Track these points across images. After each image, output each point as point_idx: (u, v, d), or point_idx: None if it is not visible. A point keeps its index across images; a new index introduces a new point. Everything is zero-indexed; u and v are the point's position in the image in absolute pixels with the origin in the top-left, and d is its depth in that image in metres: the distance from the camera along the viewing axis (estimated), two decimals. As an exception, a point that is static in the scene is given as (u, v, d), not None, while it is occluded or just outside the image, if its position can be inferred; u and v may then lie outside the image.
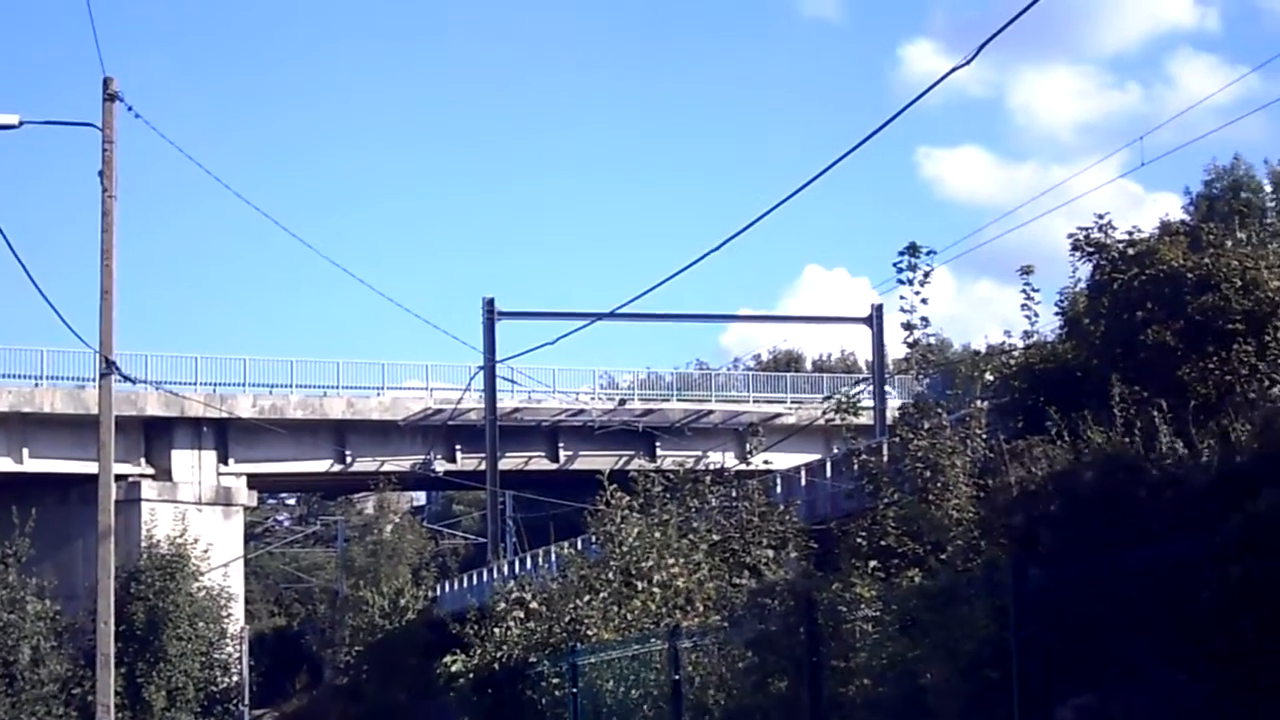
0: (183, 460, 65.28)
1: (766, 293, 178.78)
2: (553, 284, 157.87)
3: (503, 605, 31.80)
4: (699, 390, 78.91)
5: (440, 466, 69.10)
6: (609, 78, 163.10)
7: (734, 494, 33.84)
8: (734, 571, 29.77)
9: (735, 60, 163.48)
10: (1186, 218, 43.79)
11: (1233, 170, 70.84)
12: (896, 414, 30.69)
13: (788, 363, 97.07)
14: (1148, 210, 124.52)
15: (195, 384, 64.87)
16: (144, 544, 57.31)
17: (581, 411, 71.94)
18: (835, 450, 47.96)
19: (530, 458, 71.86)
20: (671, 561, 29.62)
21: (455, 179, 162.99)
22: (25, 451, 61.75)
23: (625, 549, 30.64)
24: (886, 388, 64.29)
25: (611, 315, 48.81)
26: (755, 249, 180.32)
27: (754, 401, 75.71)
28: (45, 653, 50.51)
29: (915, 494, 23.16)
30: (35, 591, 50.87)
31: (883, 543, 22.24)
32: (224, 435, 66.41)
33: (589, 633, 28.43)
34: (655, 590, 29.03)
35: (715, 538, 31.59)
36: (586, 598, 29.47)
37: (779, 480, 45.89)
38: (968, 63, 17.96)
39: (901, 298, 24.69)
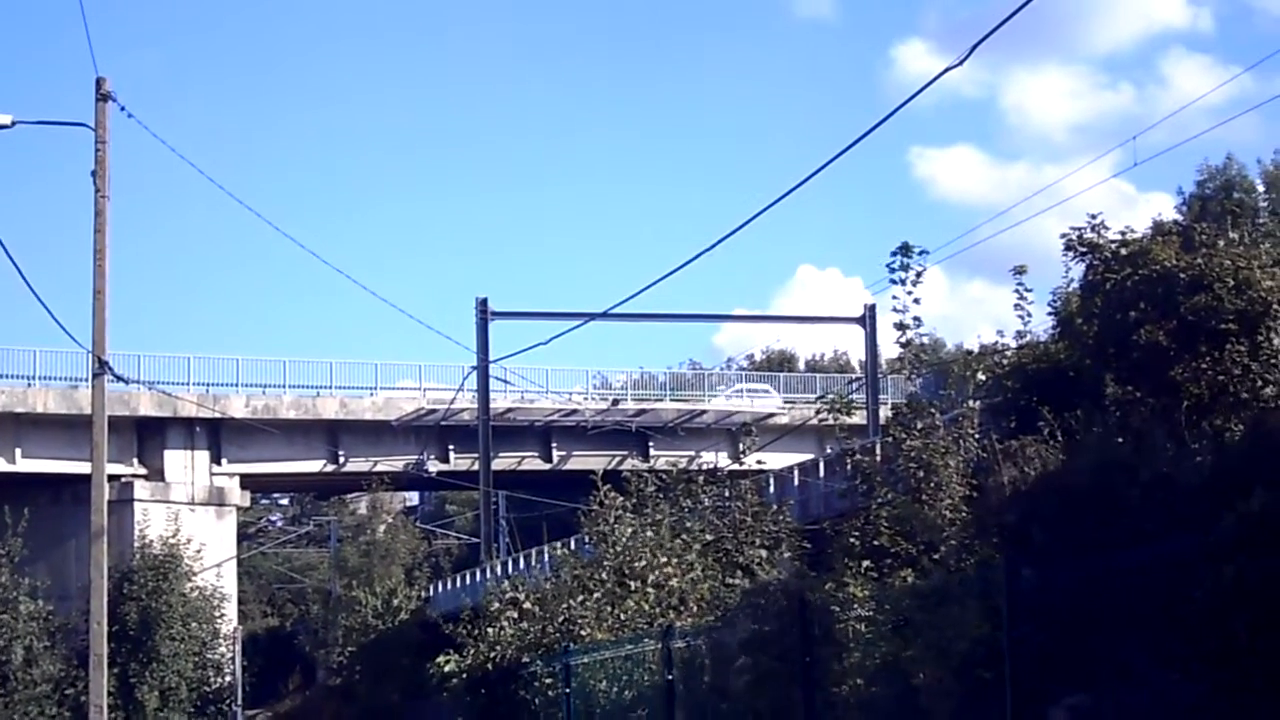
0: (175, 460, 65.22)
1: (760, 293, 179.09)
2: (546, 284, 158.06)
3: (496, 605, 31.81)
4: (692, 390, 78.96)
5: (433, 466, 69.08)
6: (603, 80, 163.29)
7: (727, 494, 33.84)
8: (727, 571, 29.79)
9: (729, 61, 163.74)
10: (1179, 218, 43.80)
11: (1225, 170, 70.89)
12: (889, 414, 30.73)
13: (781, 362, 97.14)
14: (1141, 210, 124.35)
15: (188, 384, 64.88)
16: (137, 544, 57.28)
17: (575, 411, 71.95)
18: (828, 450, 47.97)
19: (523, 458, 71.87)
20: (665, 561, 29.63)
21: (448, 180, 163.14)
22: (18, 451, 61.71)
23: (618, 549, 30.65)
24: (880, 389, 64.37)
25: (604, 315, 48.78)
26: (749, 249, 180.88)
27: (748, 395, 75.75)
28: (38, 653, 50.46)
29: (908, 494, 23.16)
30: (28, 592, 50.79)
31: (876, 543, 22.24)
32: (217, 435, 66.38)
33: (582, 633, 28.44)
34: (649, 590, 29.04)
35: (708, 538, 31.60)
36: (580, 598, 29.48)
37: (772, 480, 45.89)
38: (961, 63, 17.96)
39: (894, 298, 24.70)
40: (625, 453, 70.53)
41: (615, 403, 73.22)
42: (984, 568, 17.04)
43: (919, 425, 23.93)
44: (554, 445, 72.67)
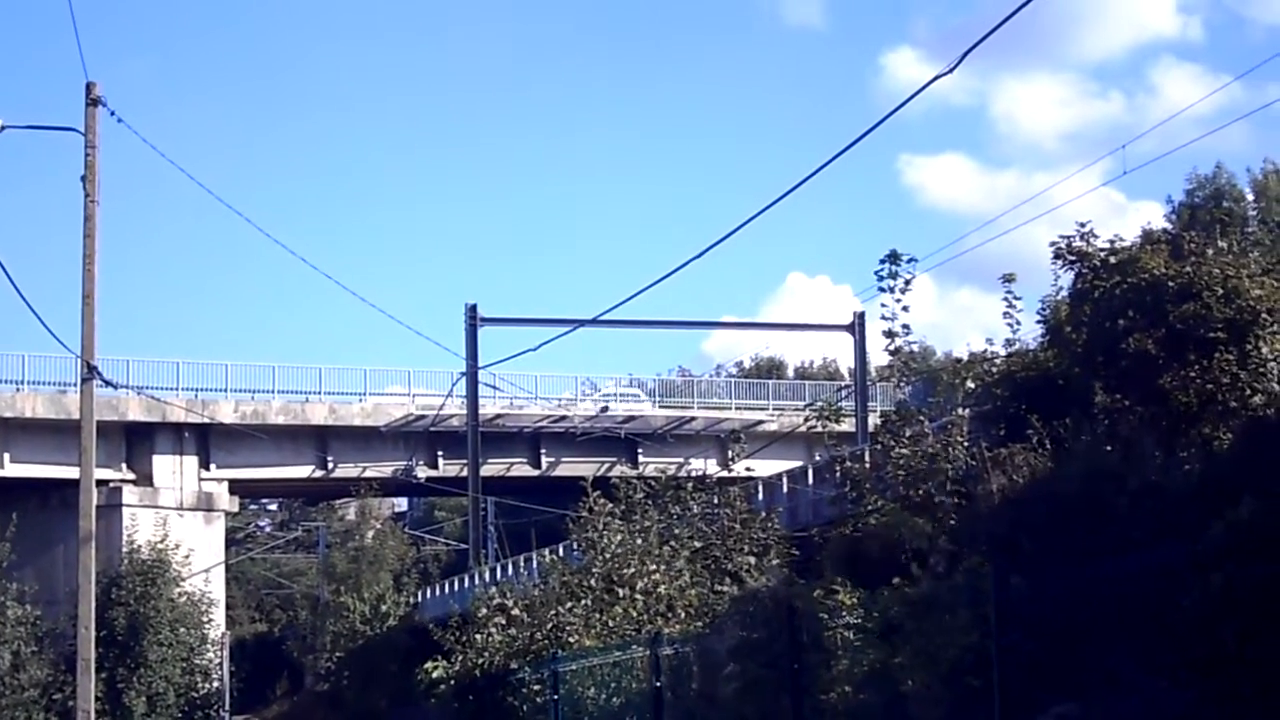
0: (164, 465, 65.13)
1: (749, 300, 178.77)
2: (536, 291, 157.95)
3: (484, 611, 31.81)
4: (681, 397, 78.92)
5: (422, 472, 68.96)
6: (594, 85, 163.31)
7: (716, 501, 33.86)
8: (716, 578, 29.82)
9: (719, 68, 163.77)
10: (1168, 226, 43.83)
11: (1215, 179, 70.97)
12: (878, 421, 30.72)
13: (770, 370, 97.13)
14: (1130, 219, 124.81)
15: (177, 389, 64.75)
16: (125, 549, 57.18)
17: (564, 418, 71.89)
18: (817, 457, 47.96)
19: (512, 464, 71.80)
20: (653, 568, 29.65)
21: (438, 186, 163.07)
22: (6, 456, 61.58)
23: (607, 556, 30.66)
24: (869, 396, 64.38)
25: (594, 322, 48.80)
26: (738, 256, 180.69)
27: (736, 409, 75.73)
28: (26, 658, 50.42)
29: (897, 501, 23.17)
30: (16, 597, 50.78)
31: (864, 550, 22.25)
32: (206, 440, 66.29)
33: (570, 639, 28.43)
34: (637, 597, 29.05)
35: (697, 544, 31.63)
36: (568, 604, 29.47)
37: (761, 487, 45.87)
38: (950, 71, 17.97)
39: (883, 305, 24.75)
40: (614, 459, 70.50)
41: (604, 409, 73.16)
42: (972, 575, 17.05)
43: (908, 433, 23.96)
44: (543, 451, 72.62)
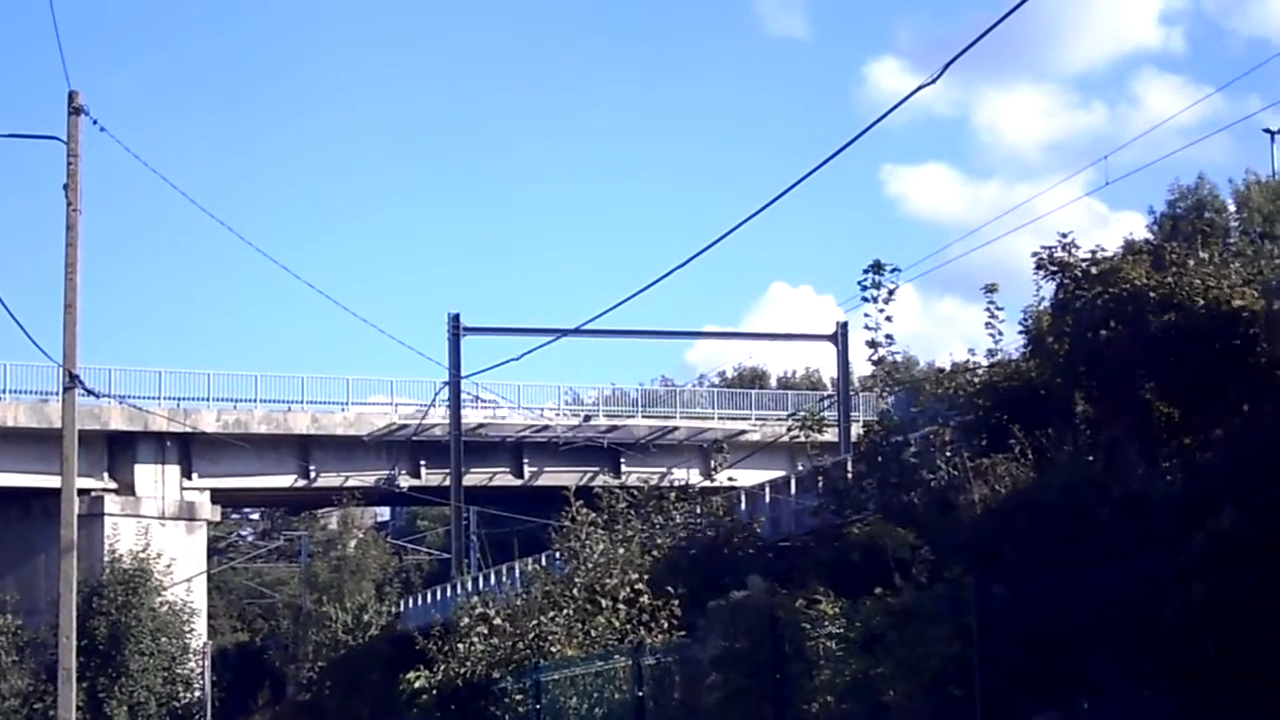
0: (146, 475, 64.96)
1: (732, 309, 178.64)
2: (518, 300, 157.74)
3: (466, 621, 31.76)
4: (664, 407, 78.92)
5: (404, 482, 68.91)
6: (577, 95, 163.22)
7: (699, 511, 33.84)
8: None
9: (702, 78, 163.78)
10: (1150, 237, 43.99)
11: (1196, 190, 71.02)
12: (861, 431, 30.76)
13: (753, 379, 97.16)
14: (1112, 229, 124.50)
15: (159, 398, 64.60)
16: (107, 559, 57.10)
17: (546, 427, 71.86)
18: (800, 467, 47.98)
19: (495, 473, 71.74)
20: (636, 578, 29.63)
21: (421, 195, 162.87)
22: (-13, 465, 61.48)
23: (590, 565, 30.65)
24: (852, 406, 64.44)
25: (576, 331, 48.81)
26: (721, 266, 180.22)
27: (719, 419, 75.76)
28: (6, 667, 50.38)
29: (879, 511, 23.20)
30: (-3, 606, 50.75)
31: (846, 559, 22.28)
32: (188, 450, 66.15)
33: (552, 649, 28.42)
34: (620, 607, 29.02)
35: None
36: (550, 614, 29.45)
37: (743, 497, 45.85)
38: (933, 81, 18.01)
39: (866, 315, 24.82)
40: (597, 469, 70.47)
41: (587, 419, 73.13)
42: (954, 585, 17.07)
43: (890, 442, 23.99)
44: (525, 461, 72.59)
